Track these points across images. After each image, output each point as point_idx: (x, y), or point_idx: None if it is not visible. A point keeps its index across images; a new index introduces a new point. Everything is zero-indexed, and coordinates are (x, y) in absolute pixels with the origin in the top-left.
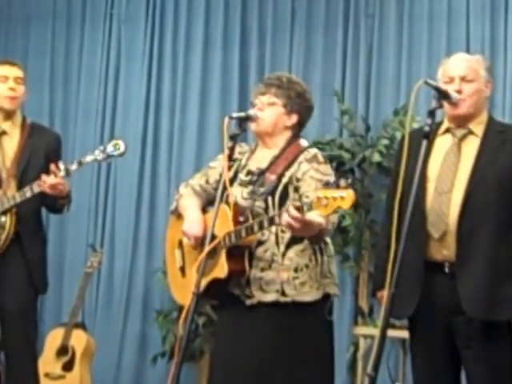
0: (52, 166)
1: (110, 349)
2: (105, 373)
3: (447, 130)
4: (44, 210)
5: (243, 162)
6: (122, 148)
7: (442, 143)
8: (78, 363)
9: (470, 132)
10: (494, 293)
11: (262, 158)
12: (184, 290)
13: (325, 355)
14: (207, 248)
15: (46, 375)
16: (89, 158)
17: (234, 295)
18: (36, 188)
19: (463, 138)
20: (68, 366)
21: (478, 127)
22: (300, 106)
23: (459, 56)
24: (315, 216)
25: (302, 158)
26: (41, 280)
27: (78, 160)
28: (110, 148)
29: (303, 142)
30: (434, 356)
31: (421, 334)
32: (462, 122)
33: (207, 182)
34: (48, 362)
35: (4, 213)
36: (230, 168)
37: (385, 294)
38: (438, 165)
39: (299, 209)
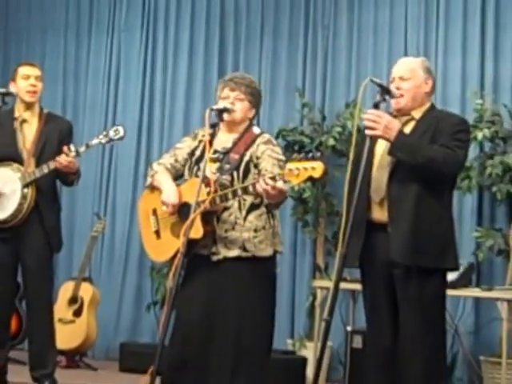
0: (64, 148)
1: (112, 298)
2: (108, 318)
3: (395, 117)
4: (58, 185)
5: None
6: (121, 133)
7: None
8: (86, 310)
9: (412, 118)
10: (416, 244)
11: (225, 140)
12: (159, 250)
13: (271, 302)
14: (196, 212)
15: (59, 320)
16: (94, 141)
17: (201, 256)
18: (51, 165)
19: (406, 122)
20: (77, 313)
21: (418, 114)
22: (258, 102)
23: (401, 60)
24: (282, 185)
25: (259, 140)
26: (56, 241)
27: (86, 143)
28: (111, 133)
29: (256, 129)
30: (377, 301)
31: (368, 282)
32: (403, 112)
33: (176, 160)
34: (61, 310)
35: (26, 186)
36: (210, 148)
37: (337, 253)
38: (383, 144)
39: (274, 178)
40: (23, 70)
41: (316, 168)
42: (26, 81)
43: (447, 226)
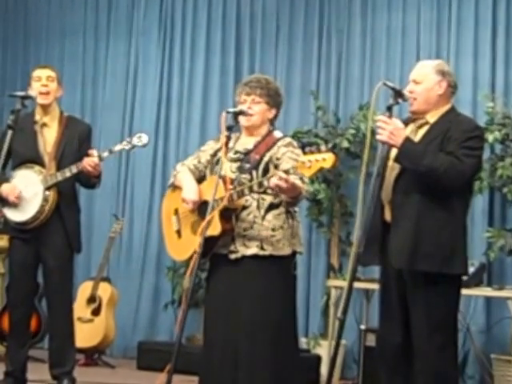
0: (90, 151)
1: (130, 298)
2: (125, 317)
3: (413, 120)
4: (76, 186)
5: (231, 145)
6: (145, 140)
7: (407, 130)
8: (104, 309)
9: (427, 122)
10: (415, 249)
11: (247, 142)
12: (180, 249)
13: (289, 301)
14: (215, 210)
15: (78, 319)
16: (118, 148)
17: (221, 255)
18: (74, 169)
19: (420, 126)
20: (96, 312)
21: (434, 117)
22: (276, 101)
23: (419, 63)
24: (297, 180)
25: (280, 143)
26: (76, 242)
27: (109, 149)
28: (135, 140)
29: (278, 133)
30: (389, 298)
31: (382, 280)
32: (418, 115)
33: (199, 162)
34: (80, 309)
35: (48, 189)
36: (226, 152)
37: (352, 253)
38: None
39: (287, 172)
40: (35, 73)
41: (327, 159)
42: (37, 82)
43: (453, 231)
